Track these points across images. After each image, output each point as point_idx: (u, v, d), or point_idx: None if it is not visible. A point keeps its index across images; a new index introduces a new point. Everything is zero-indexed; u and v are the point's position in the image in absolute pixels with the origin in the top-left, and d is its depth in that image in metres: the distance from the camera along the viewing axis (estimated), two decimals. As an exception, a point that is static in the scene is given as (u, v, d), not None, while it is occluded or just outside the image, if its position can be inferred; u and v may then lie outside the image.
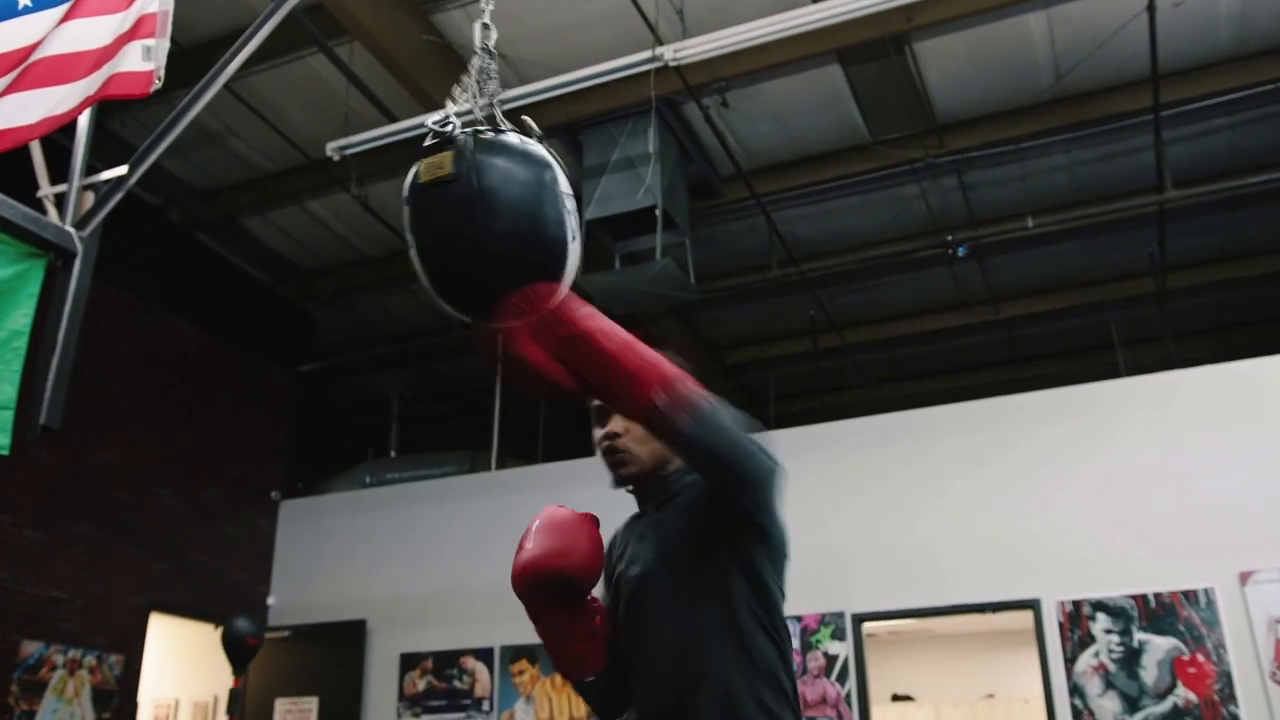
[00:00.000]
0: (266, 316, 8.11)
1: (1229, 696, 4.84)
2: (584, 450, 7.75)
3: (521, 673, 6.42)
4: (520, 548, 1.75)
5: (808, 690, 5.59)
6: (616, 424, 1.77)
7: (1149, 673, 5.00)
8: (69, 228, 2.51)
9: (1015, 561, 5.44)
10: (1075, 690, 5.10)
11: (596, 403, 1.78)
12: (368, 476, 8.23)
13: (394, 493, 7.62)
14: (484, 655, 6.54)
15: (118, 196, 2.60)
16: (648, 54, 5.23)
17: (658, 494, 1.79)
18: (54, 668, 5.85)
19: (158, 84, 2.49)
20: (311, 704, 6.91)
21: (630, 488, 1.83)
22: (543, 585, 1.69)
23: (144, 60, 2.48)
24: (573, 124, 6.16)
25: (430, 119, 1.62)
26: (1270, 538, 4.99)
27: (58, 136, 2.50)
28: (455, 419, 10.03)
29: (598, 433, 1.80)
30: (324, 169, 6.33)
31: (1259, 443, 5.18)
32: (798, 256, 7.22)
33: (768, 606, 1.65)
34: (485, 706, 6.44)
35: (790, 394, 9.31)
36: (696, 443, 1.49)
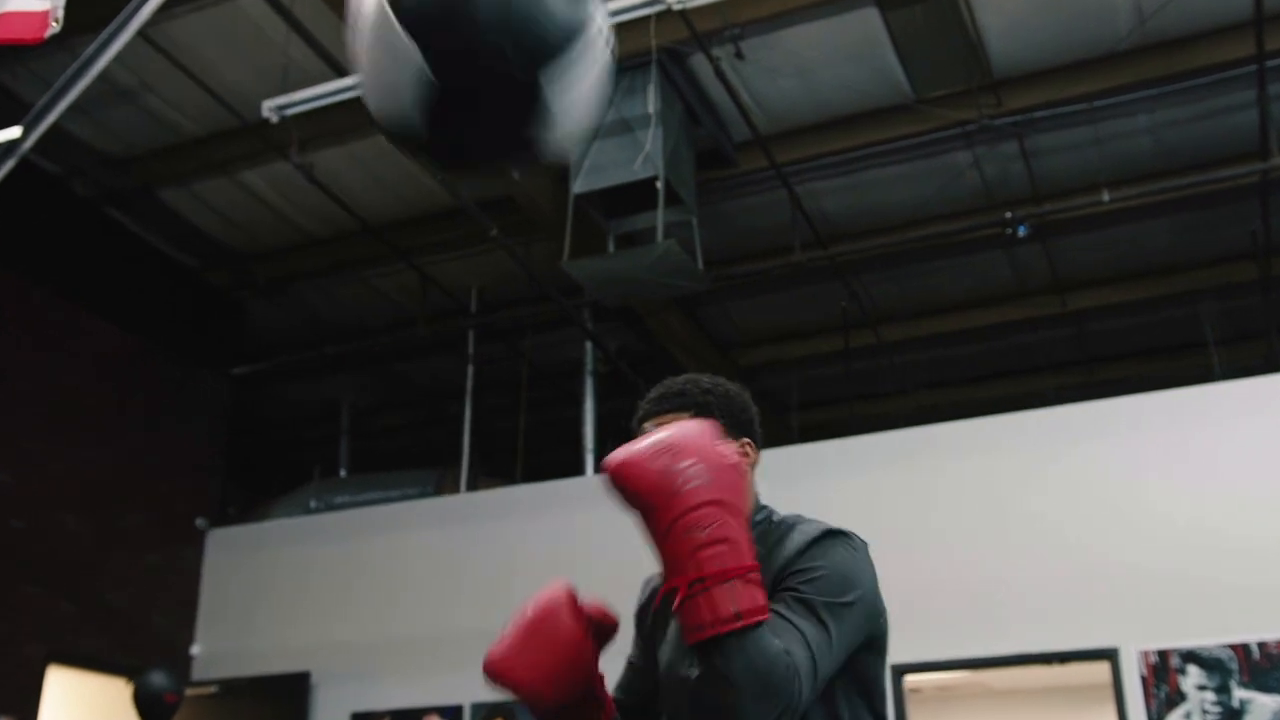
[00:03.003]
0: (191, 309, 8.09)
1: (1344, 764, 4.81)
2: (569, 468, 7.82)
3: (496, 735, 6.40)
4: (502, 634, 1.75)
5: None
6: None
7: (1249, 736, 4.98)
8: (-53, 201, 2.48)
9: (1088, 602, 5.42)
10: (1160, 756, 5.08)
11: (647, 425, 1.77)
12: (313, 500, 8.22)
13: (344, 520, 7.61)
14: (451, 714, 6.52)
15: (9, 164, 2.57)
16: (647, -6, 5.21)
17: None
18: (-66, 731, 5.81)
19: (55, 27, 2.46)
20: (245, 773, 6.89)
21: None
22: (509, 692, 1.71)
23: (38, -2, 2.45)
24: (558, 78, 6.13)
25: None
26: (1394, 574, 4.97)
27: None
28: (418, 431, 10.01)
29: None
30: (259, 132, 6.31)
31: (1380, 460, 5.17)
32: (826, 237, 7.20)
33: (869, 692, 1.66)
34: (453, 776, 6.43)
35: (817, 401, 9.29)
36: (715, 678, 1.45)
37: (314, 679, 6.96)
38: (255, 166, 7.07)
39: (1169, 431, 5.62)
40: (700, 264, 6.21)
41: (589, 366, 7.92)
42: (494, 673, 1.70)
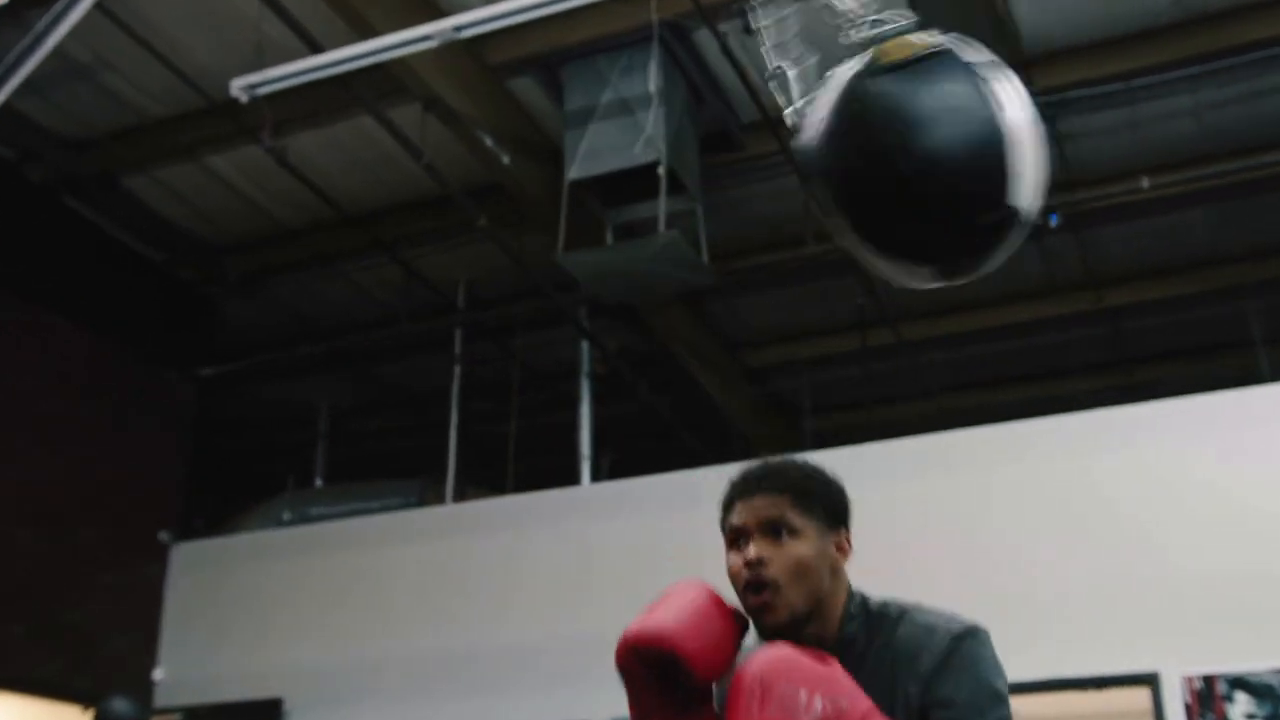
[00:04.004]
0: (155, 305, 8.08)
1: (1404, 799, 4.79)
2: (564, 477, 7.80)
3: (485, 767, 6.39)
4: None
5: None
6: (763, 547, 1.77)
7: (1302, 769, 4.97)
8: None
9: (1127, 622, 5.40)
10: (1204, 790, 5.07)
11: (738, 520, 1.80)
12: (287, 512, 8.21)
13: (321, 533, 7.60)
14: (436, 744, 6.51)
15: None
16: (648, -36, 5.22)
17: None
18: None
19: (3, -3, 2.44)
20: (213, 807, 6.88)
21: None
22: (644, 660, 1.67)
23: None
24: (550, 56, 6.13)
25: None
26: None
27: None
28: (400, 437, 10.00)
29: (734, 559, 1.80)
30: (230, 113, 6.28)
31: None
32: (842, 227, 7.17)
33: None
34: (438, 810, 6.42)
35: (831, 405, 9.28)
36: None
37: (287, 706, 6.94)
38: (225, 151, 7.05)
39: (1212, 437, 5.60)
40: (705, 256, 6.21)
41: (585, 368, 7.91)
42: (650, 636, 1.65)
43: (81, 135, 7.03)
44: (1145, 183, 6.38)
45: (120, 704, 5.98)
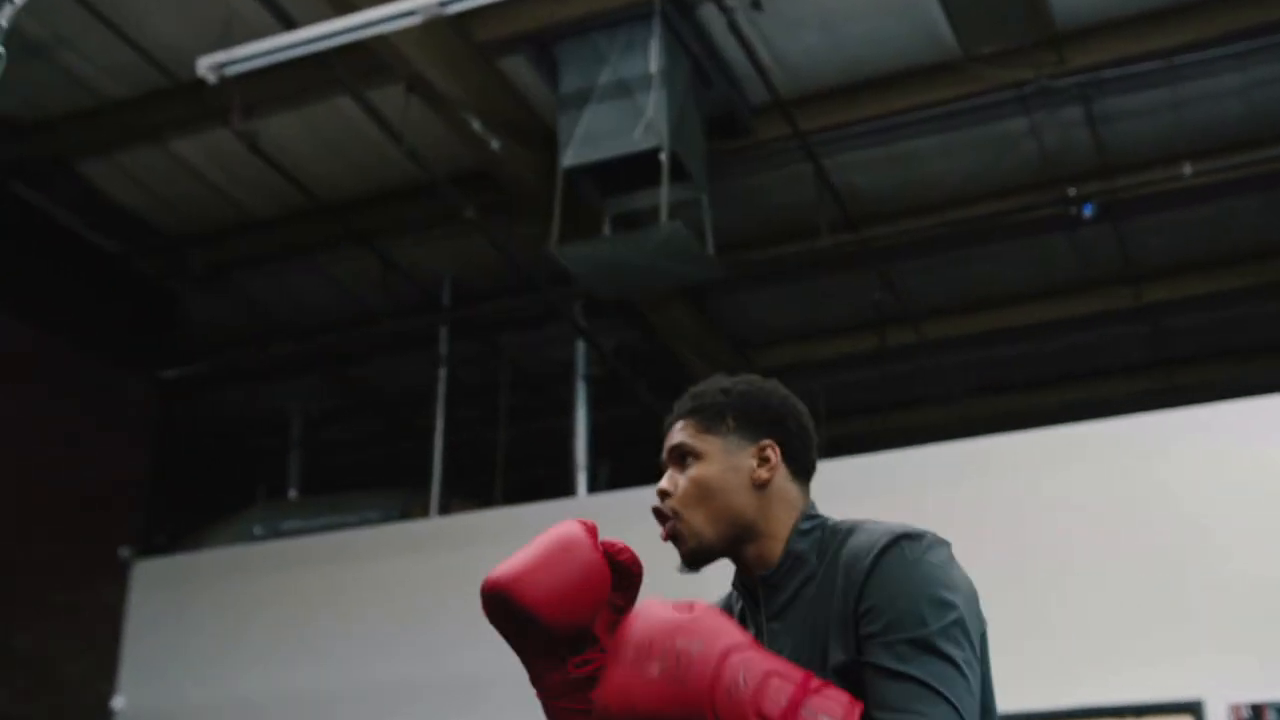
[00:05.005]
0: (115, 301, 8.09)
1: None
2: (558, 488, 7.79)
3: (472, 802, 6.38)
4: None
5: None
6: (668, 479, 1.84)
7: (1356, 803, 4.96)
8: None
9: (1168, 647, 5.40)
10: (1251, 828, 5.06)
11: (662, 457, 1.87)
12: (257, 526, 8.22)
13: (294, 549, 7.60)
14: (419, 777, 6.51)
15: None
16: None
17: (766, 591, 1.81)
18: None
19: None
20: (177, 846, 6.88)
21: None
22: (501, 615, 1.72)
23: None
24: (544, 33, 6.13)
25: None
26: None
27: None
28: (380, 445, 10.01)
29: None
30: (195, 94, 6.29)
31: None
32: (857, 218, 7.20)
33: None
34: None
35: (847, 410, 9.27)
36: None
37: (258, 736, 6.93)
38: (190, 134, 7.05)
39: (1260, 445, 5.60)
40: (711, 249, 6.21)
41: (581, 369, 7.91)
42: (493, 585, 1.71)
43: (35, 117, 7.02)
44: (1188, 169, 6.37)
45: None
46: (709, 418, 1.84)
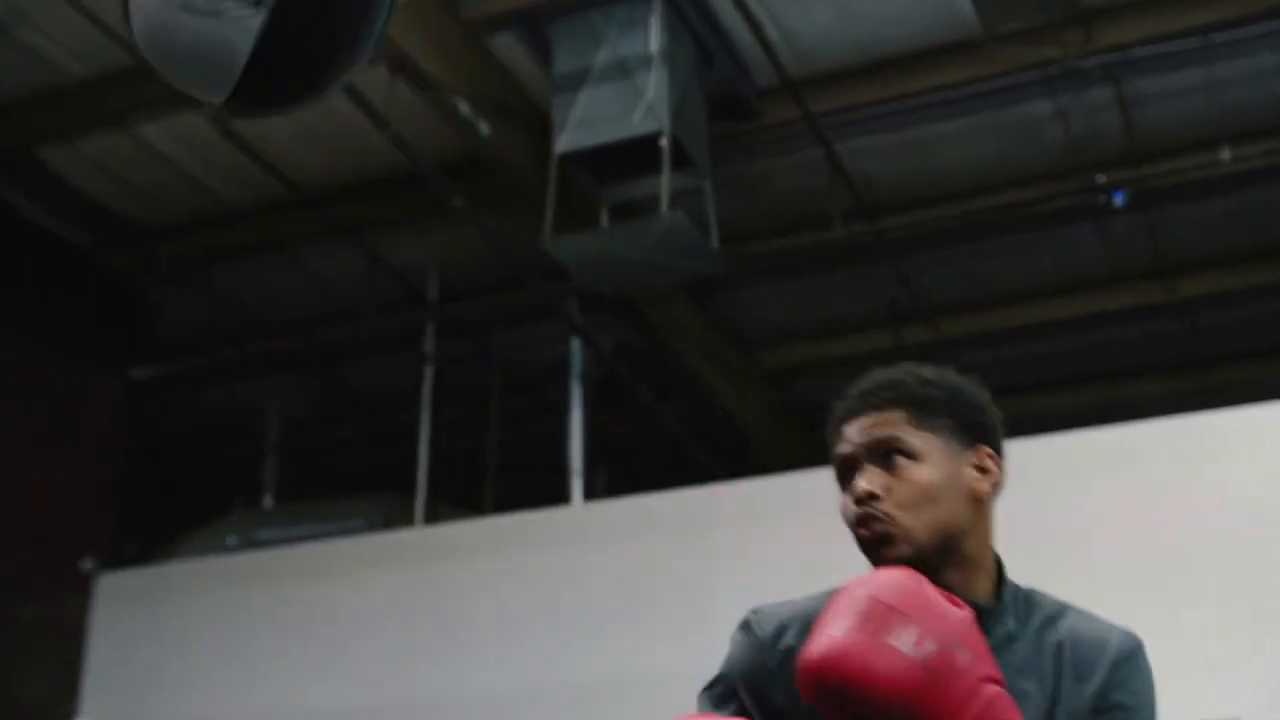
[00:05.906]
0: (81, 297, 8.08)
1: None
2: (552, 496, 7.78)
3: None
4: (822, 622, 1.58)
5: None
6: (873, 478, 1.66)
7: (1404, 831, 4.96)
8: None
9: (1206, 663, 5.39)
10: None
11: (846, 449, 1.71)
12: (232, 536, 8.22)
13: (271, 560, 7.59)
14: (404, 804, 6.51)
15: None
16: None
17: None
18: None
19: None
20: None
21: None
22: (837, 700, 1.50)
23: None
24: (537, 10, 6.13)
25: None
26: None
27: None
28: (363, 450, 10.00)
29: (844, 500, 1.70)
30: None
31: None
32: (871, 208, 7.20)
33: None
34: None
35: (862, 413, 9.27)
36: None
37: (232, 760, 6.93)
38: (161, 119, 7.03)
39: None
40: (714, 241, 6.21)
41: (576, 369, 7.89)
42: (814, 668, 1.50)
43: (-7, 100, 7.04)
44: (1225, 155, 6.37)
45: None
46: (925, 411, 1.71)
